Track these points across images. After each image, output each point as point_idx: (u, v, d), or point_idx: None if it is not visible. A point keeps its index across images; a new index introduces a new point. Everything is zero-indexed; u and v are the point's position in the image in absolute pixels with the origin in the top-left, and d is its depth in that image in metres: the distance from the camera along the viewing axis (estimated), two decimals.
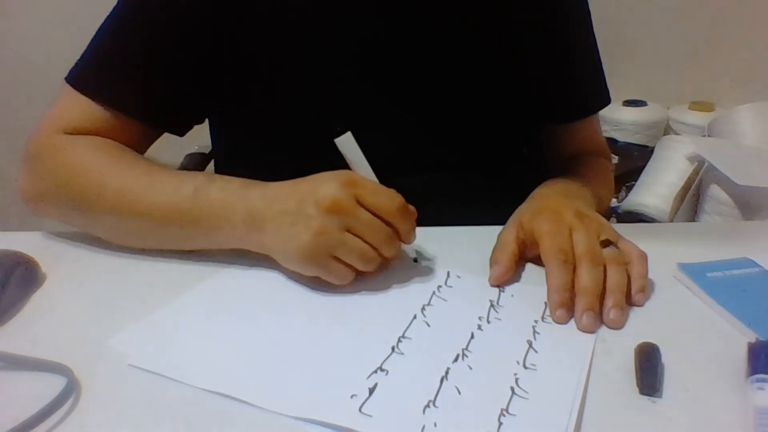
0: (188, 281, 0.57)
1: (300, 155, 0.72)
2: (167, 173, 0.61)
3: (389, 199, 0.54)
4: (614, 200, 1.55)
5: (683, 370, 0.47)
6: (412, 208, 0.56)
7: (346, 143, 0.57)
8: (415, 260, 0.61)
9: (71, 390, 0.43)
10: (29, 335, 0.51)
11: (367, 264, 0.55)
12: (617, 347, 0.49)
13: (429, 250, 0.63)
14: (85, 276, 0.59)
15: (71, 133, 0.65)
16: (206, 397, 0.44)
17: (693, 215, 1.39)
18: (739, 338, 0.49)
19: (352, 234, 0.53)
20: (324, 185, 0.53)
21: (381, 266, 0.56)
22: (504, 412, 0.42)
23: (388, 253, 0.55)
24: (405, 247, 0.60)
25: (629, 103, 1.79)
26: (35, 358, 0.46)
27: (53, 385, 0.43)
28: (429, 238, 0.65)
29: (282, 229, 0.54)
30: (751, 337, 0.48)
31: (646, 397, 0.44)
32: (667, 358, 0.47)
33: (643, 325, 0.52)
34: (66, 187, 0.62)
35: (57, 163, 0.63)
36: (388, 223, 0.54)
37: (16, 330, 0.52)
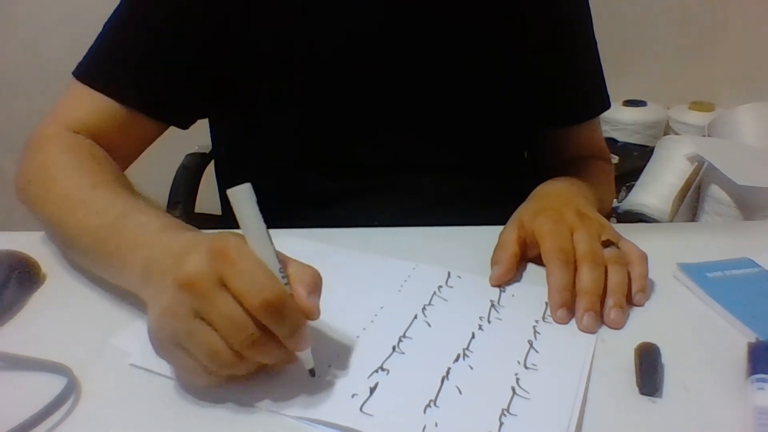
0: None
1: (298, 155, 0.73)
2: (107, 191, 0.56)
3: (257, 288, 0.38)
4: (614, 200, 1.55)
5: (683, 370, 0.47)
6: (307, 304, 0.40)
7: (240, 197, 0.41)
8: (312, 372, 0.44)
9: (71, 390, 0.43)
10: (29, 335, 0.51)
11: (221, 367, 0.40)
12: (617, 347, 0.49)
13: (430, 250, 0.63)
14: (85, 276, 0.59)
15: (74, 125, 0.65)
16: (206, 397, 0.44)
17: (693, 215, 1.39)
18: (739, 338, 0.49)
19: (207, 323, 0.39)
20: (192, 252, 0.40)
21: (262, 370, 0.43)
22: (505, 412, 0.42)
23: (257, 358, 0.41)
24: (300, 354, 0.43)
25: (629, 103, 1.79)
26: (35, 358, 0.46)
27: (53, 385, 0.43)
28: (429, 238, 0.65)
29: (153, 294, 0.43)
30: (751, 337, 0.49)
31: (646, 397, 0.44)
32: (667, 358, 0.47)
33: (643, 325, 0.52)
34: (29, 181, 0.62)
35: (34, 156, 0.63)
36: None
37: (16, 330, 0.52)
